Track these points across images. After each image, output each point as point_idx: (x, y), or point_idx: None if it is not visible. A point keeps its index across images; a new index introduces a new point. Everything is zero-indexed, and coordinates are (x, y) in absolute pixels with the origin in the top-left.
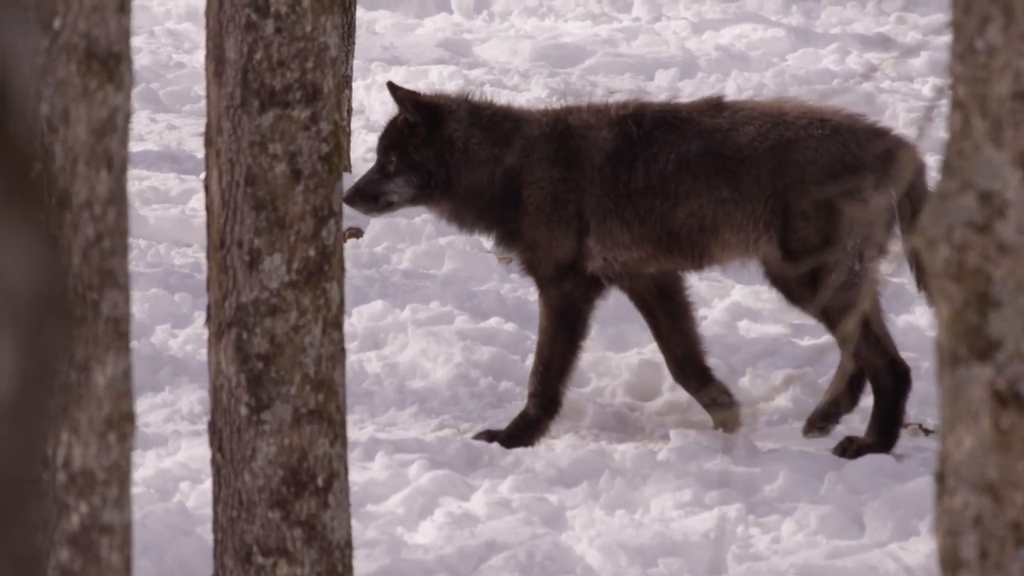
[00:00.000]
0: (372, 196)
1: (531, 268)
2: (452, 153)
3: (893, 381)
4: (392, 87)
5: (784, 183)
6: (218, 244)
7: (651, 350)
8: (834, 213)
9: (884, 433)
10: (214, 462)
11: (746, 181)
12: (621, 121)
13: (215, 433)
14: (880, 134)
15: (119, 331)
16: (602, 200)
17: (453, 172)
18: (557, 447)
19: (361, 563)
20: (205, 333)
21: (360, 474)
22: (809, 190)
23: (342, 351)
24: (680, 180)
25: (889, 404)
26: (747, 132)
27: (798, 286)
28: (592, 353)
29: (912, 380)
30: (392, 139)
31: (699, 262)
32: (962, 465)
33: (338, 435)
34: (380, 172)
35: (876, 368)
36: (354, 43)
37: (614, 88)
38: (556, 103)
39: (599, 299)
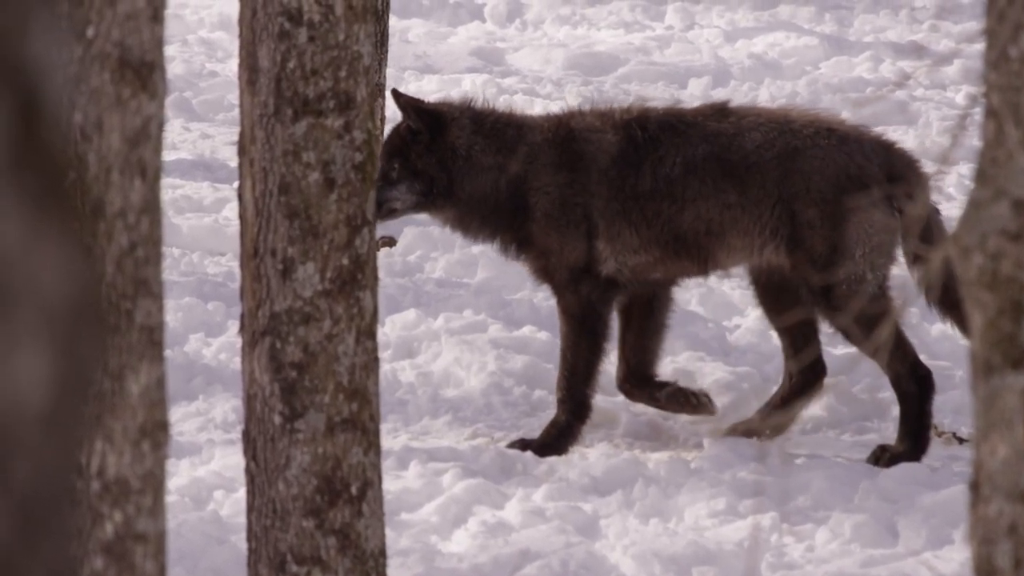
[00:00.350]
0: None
1: (546, 275)
2: (455, 160)
3: (917, 386)
4: (396, 94)
5: (790, 192)
6: (252, 253)
7: (684, 359)
8: (840, 223)
9: (914, 439)
10: (248, 471)
11: (752, 187)
12: (626, 125)
13: (249, 442)
14: (885, 147)
15: (153, 340)
16: (610, 203)
17: (456, 179)
18: (591, 456)
19: (395, 572)
20: (239, 342)
21: (394, 483)
22: (814, 199)
23: (376, 360)
24: (687, 184)
25: (916, 409)
26: (753, 138)
27: (811, 296)
28: None
29: (935, 383)
30: (395, 146)
31: (704, 266)
32: (996, 474)
33: (372, 444)
34: (383, 179)
35: (899, 374)
36: (387, 52)
37: (647, 96)
38: (558, 109)
39: (617, 300)
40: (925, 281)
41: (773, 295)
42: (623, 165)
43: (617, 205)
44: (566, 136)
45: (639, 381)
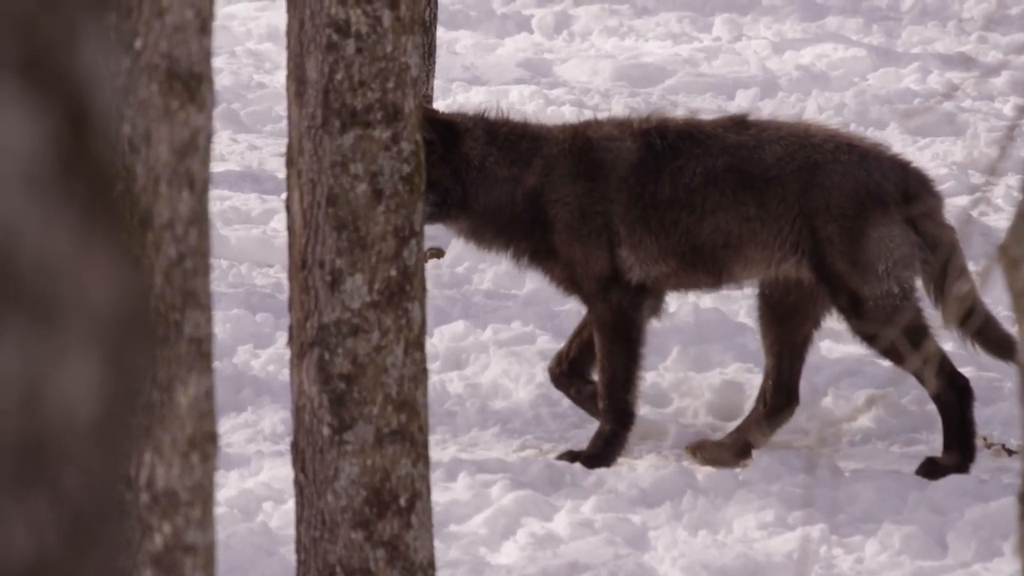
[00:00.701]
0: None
1: (574, 286)
2: (469, 171)
3: (956, 395)
4: None
5: (810, 206)
6: (300, 264)
7: (733, 370)
8: (860, 238)
9: (961, 449)
10: (297, 482)
11: (772, 200)
12: (645, 133)
13: (298, 453)
14: (902, 166)
15: (201, 351)
16: (630, 210)
17: (470, 190)
18: (639, 467)
19: None
20: (287, 353)
21: (442, 494)
22: (834, 215)
23: (424, 371)
24: (707, 194)
25: (957, 418)
26: (774, 151)
27: (839, 313)
28: (674, 373)
29: (974, 391)
30: None
31: (718, 279)
32: None
33: (420, 455)
34: None
35: (937, 385)
36: (435, 63)
37: (695, 108)
38: (575, 119)
39: (649, 304)
40: (953, 309)
41: (777, 314)
42: (642, 172)
43: (637, 212)
44: (583, 146)
45: (571, 371)
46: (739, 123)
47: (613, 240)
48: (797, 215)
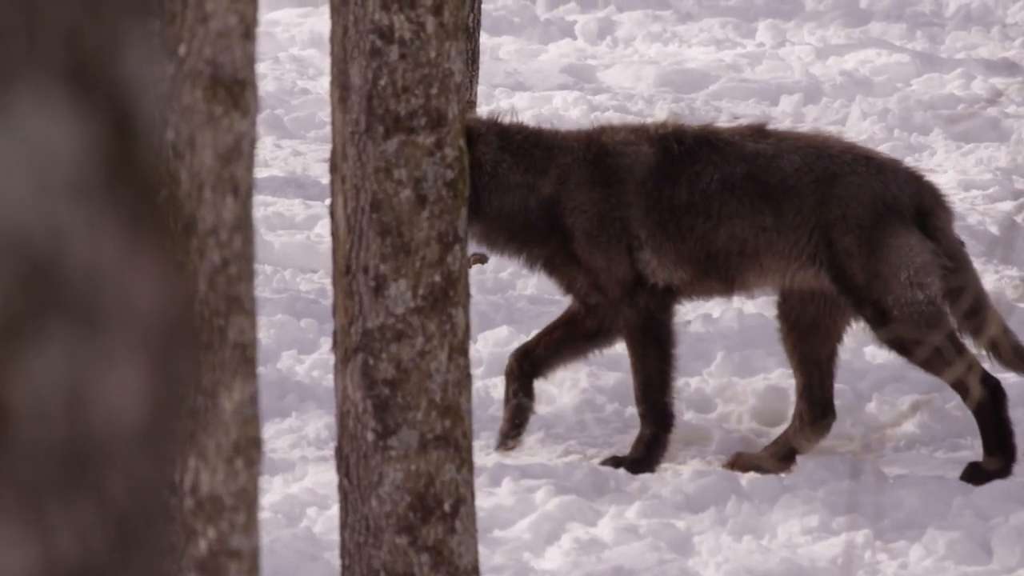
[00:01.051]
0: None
1: (599, 292)
2: (481, 176)
3: (989, 397)
4: None
5: (828, 218)
6: (344, 270)
7: (777, 375)
8: (878, 249)
9: (1000, 449)
10: (341, 488)
11: (789, 210)
12: (662, 138)
13: (342, 459)
14: (916, 178)
15: (246, 357)
16: (648, 214)
17: (483, 195)
18: (684, 472)
19: None
20: (331, 359)
21: (487, 499)
22: (851, 226)
23: (468, 377)
24: (724, 201)
25: (992, 420)
26: (792, 161)
27: (866, 324)
28: (718, 379)
29: (1006, 391)
30: None
31: (731, 287)
32: None
33: (464, 460)
34: None
35: (978, 393)
36: (478, 69)
37: (738, 113)
38: (589, 125)
39: (677, 305)
40: (995, 322)
41: (799, 333)
42: (660, 177)
43: (655, 216)
44: (599, 152)
45: (529, 369)
46: (757, 131)
47: (633, 244)
48: (814, 226)
